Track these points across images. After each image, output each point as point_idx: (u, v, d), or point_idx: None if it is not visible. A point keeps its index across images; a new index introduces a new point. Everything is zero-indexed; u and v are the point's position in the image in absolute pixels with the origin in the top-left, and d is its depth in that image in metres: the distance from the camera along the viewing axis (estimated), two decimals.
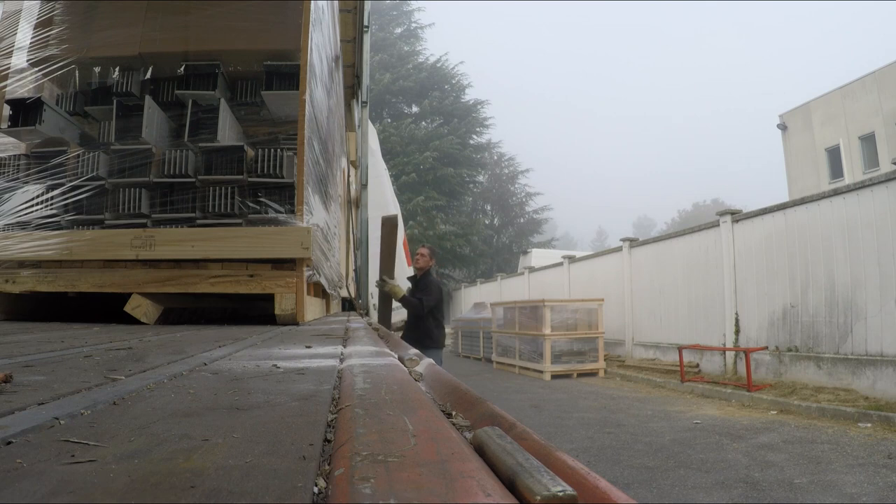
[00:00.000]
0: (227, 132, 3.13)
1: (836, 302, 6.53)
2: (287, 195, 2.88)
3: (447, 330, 18.58)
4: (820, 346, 6.71)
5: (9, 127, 2.96)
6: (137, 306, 2.48)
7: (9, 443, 0.48)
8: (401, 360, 1.19)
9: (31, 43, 3.22)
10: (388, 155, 19.26)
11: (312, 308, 3.03)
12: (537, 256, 19.46)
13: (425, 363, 1.17)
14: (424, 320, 4.94)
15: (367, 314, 5.40)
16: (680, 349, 8.44)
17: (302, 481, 0.39)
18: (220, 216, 2.87)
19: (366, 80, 6.45)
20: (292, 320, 2.53)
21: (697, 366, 8.70)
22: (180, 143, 3.08)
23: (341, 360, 1.15)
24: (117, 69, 3.30)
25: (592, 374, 10.02)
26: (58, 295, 2.71)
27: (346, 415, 0.59)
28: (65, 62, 3.19)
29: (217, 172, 2.87)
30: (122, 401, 0.69)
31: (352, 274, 6.40)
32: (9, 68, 3.10)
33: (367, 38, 6.06)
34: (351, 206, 6.72)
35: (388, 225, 5.17)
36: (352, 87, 6.82)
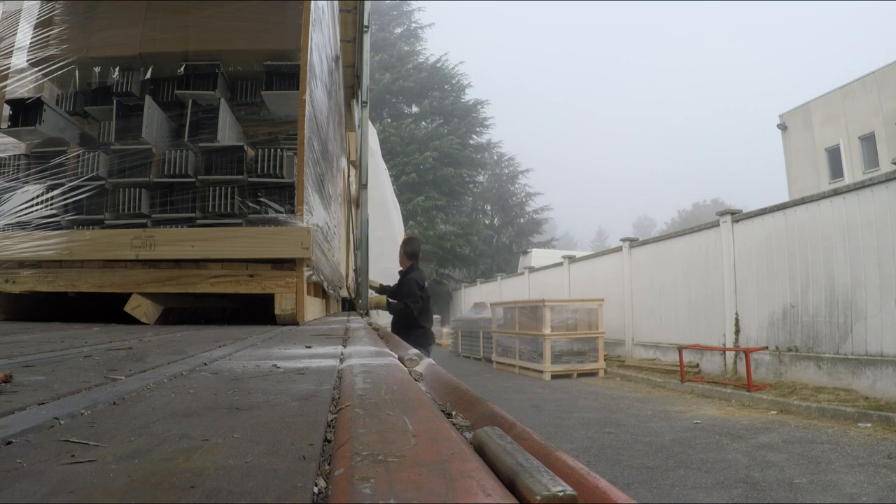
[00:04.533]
0: (227, 132, 3.13)
1: (836, 302, 6.53)
2: (287, 195, 2.88)
3: (446, 330, 18.60)
4: (820, 346, 6.71)
5: (9, 127, 2.96)
6: (137, 306, 2.48)
7: (9, 443, 0.48)
8: (401, 360, 1.19)
9: (31, 43, 3.22)
10: (388, 155, 19.24)
11: (312, 308, 3.03)
12: (537, 256, 19.44)
13: (425, 363, 1.17)
14: (401, 323, 4.89)
15: (366, 314, 5.40)
16: (680, 349, 8.44)
17: (302, 481, 0.39)
18: (220, 216, 2.87)
19: (366, 80, 6.43)
20: (292, 320, 2.53)
21: (697, 366, 8.70)
22: (180, 143, 3.08)
23: (341, 360, 1.15)
24: (117, 69, 3.30)
25: (592, 374, 10.02)
26: (58, 295, 2.70)
27: (346, 415, 0.59)
28: (65, 62, 3.19)
29: (217, 172, 2.87)
30: (122, 401, 0.69)
31: (352, 274, 6.40)
32: (9, 68, 3.10)
33: (367, 38, 6.05)
34: (351, 205, 6.72)
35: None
36: (352, 87, 6.81)
